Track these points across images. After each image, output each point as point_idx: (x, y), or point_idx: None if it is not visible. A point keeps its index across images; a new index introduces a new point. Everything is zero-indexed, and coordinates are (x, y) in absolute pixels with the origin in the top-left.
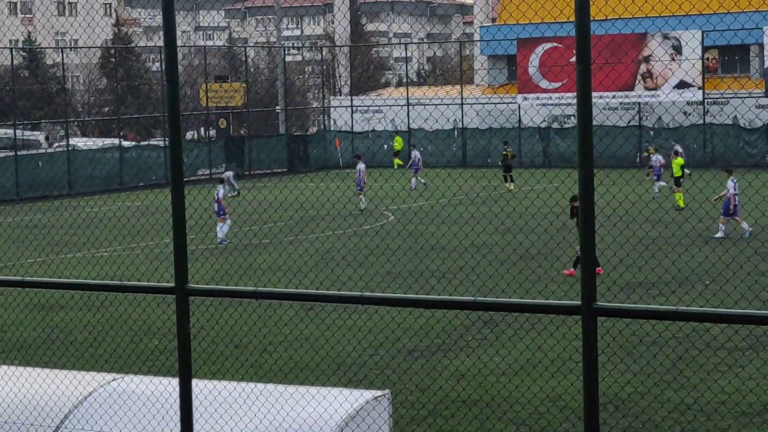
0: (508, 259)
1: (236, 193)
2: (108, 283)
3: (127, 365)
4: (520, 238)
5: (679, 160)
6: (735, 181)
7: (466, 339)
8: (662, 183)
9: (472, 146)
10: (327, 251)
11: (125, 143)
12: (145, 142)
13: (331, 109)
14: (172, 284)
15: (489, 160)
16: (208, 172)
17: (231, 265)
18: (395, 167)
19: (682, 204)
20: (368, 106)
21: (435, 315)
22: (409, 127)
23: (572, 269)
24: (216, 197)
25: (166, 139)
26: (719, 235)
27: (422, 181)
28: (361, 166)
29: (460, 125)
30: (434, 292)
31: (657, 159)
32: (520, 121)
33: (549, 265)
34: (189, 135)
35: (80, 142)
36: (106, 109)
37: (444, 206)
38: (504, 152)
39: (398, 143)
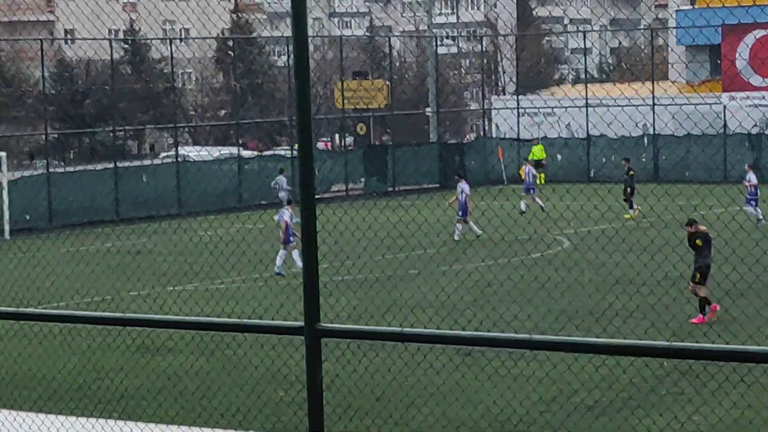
0: (714, 294)
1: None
2: (225, 322)
3: (247, 420)
4: (725, 269)
5: None
6: None
7: (658, 393)
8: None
9: (666, 156)
10: (488, 284)
11: (245, 153)
12: (269, 152)
13: (493, 112)
14: (302, 323)
15: (687, 174)
16: (344, 187)
17: (372, 301)
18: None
19: None
20: (538, 108)
21: (620, 363)
22: (588, 133)
23: (701, 315)
24: (278, 221)
25: (294, 148)
26: None
27: (540, 203)
28: (464, 186)
29: (651, 131)
30: (619, 336)
31: (750, 178)
32: (725, 125)
33: (762, 303)
34: (321, 144)
35: (192, 152)
36: (223, 112)
37: (632, 230)
38: (630, 172)
39: (539, 152)
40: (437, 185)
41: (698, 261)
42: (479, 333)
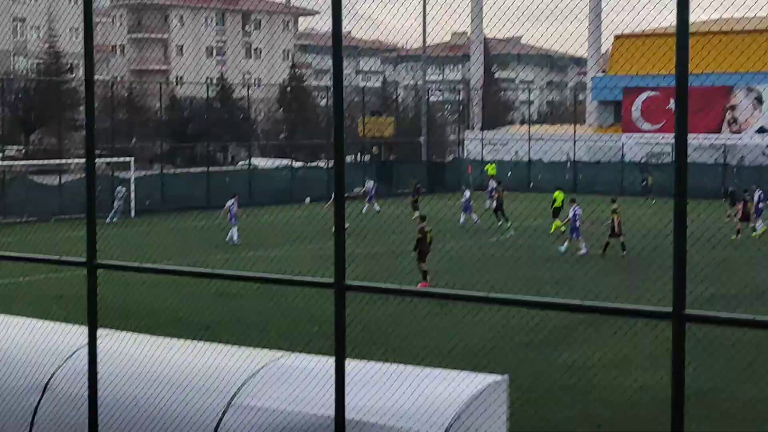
0: (612, 271)
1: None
2: (279, 277)
3: (293, 345)
4: (619, 252)
5: (558, 194)
6: (576, 206)
7: (573, 336)
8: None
9: (582, 175)
10: (460, 258)
11: (296, 164)
12: (313, 164)
13: (466, 141)
14: (332, 280)
15: (596, 188)
16: (362, 189)
17: (380, 266)
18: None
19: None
20: (497, 140)
21: (548, 314)
22: (529, 158)
23: (425, 282)
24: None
25: (330, 161)
26: (583, 252)
27: (377, 209)
28: (230, 201)
29: (572, 158)
30: (548, 296)
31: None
32: (623, 155)
33: (645, 276)
34: (348, 159)
35: (260, 162)
36: (281, 135)
37: (562, 224)
38: (498, 191)
39: (492, 169)
40: (425, 190)
41: (424, 247)
42: (453, 290)
